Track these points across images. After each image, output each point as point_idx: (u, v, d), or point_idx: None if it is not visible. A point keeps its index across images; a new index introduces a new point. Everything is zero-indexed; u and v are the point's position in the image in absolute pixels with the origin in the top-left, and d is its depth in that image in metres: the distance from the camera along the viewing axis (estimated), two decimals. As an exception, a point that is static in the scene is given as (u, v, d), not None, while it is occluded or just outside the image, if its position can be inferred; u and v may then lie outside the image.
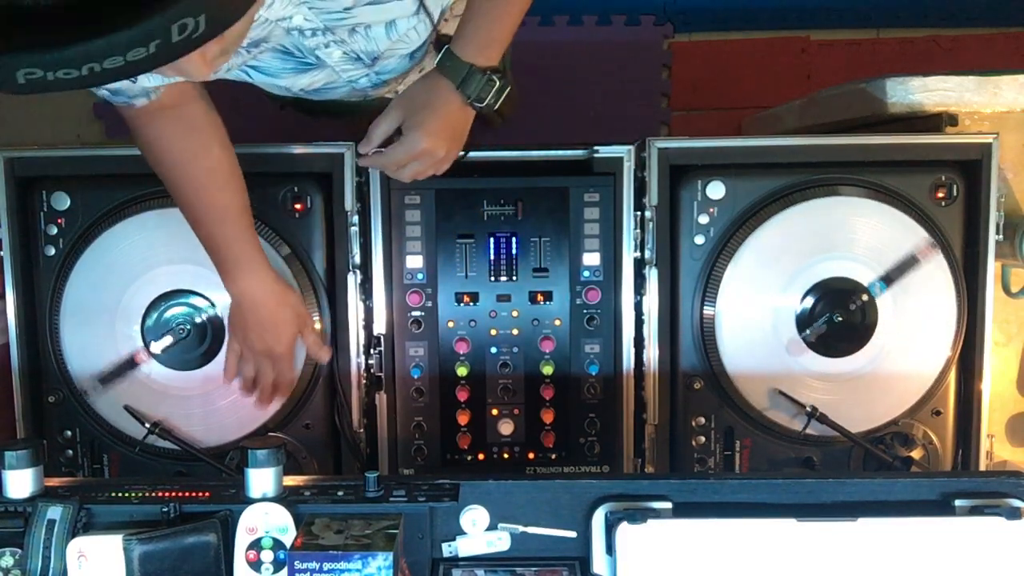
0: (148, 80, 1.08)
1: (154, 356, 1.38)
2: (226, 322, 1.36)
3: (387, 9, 1.08)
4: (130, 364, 1.39)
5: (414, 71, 1.29)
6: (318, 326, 1.40)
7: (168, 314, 1.38)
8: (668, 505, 1.03)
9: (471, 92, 1.16)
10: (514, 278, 1.43)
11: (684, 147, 1.41)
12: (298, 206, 1.40)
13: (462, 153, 1.28)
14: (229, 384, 1.35)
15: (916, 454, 1.42)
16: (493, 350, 1.44)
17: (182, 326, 1.38)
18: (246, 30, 0.80)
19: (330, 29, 1.09)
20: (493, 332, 1.43)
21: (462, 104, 1.17)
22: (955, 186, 1.40)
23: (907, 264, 1.38)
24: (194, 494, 1.03)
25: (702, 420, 1.44)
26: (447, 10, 1.19)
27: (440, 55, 1.17)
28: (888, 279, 1.39)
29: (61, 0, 0.58)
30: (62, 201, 1.39)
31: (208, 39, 0.65)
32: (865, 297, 1.38)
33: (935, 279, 1.40)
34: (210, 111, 1.22)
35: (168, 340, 1.37)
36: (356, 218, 1.41)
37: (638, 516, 0.99)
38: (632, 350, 1.43)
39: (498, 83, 1.16)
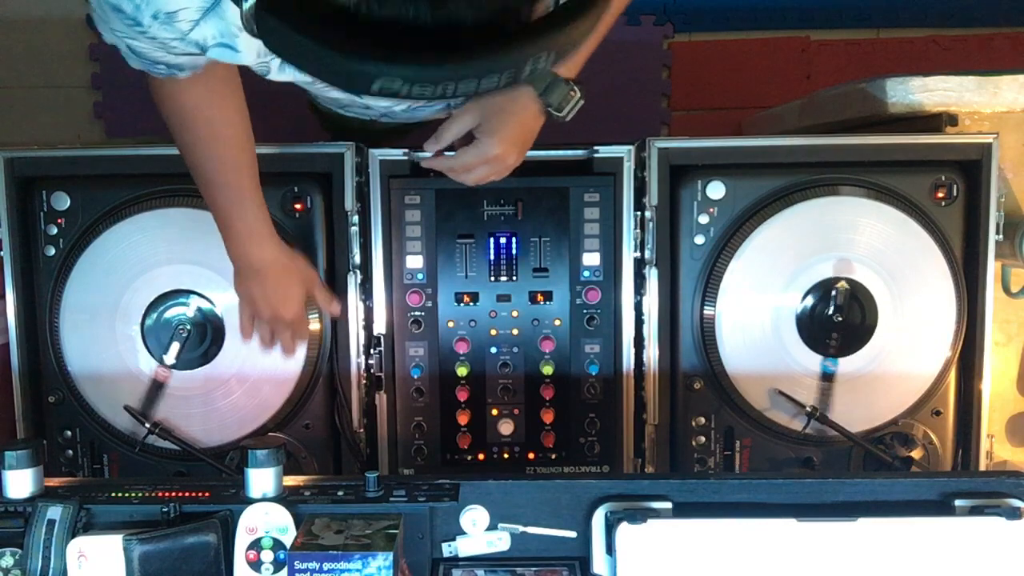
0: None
1: (173, 367, 1.39)
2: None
3: None
4: (158, 387, 1.40)
5: None
6: (317, 326, 1.40)
7: (168, 314, 1.39)
8: (668, 505, 1.03)
9: (552, 101, 1.14)
10: (514, 278, 1.43)
11: (684, 147, 1.41)
12: (298, 206, 1.40)
13: None
14: (248, 341, 1.33)
15: (916, 454, 1.42)
16: (493, 350, 1.44)
17: (182, 326, 1.38)
18: None
19: None
20: (493, 332, 1.43)
21: (539, 112, 1.15)
22: (955, 186, 1.40)
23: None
24: (194, 494, 1.03)
25: (702, 420, 1.44)
26: None
27: None
28: (828, 376, 1.41)
29: (442, 20, 0.62)
30: (62, 201, 1.39)
31: (545, 70, 0.70)
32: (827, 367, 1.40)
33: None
34: (235, 78, 1.20)
35: (176, 347, 1.37)
36: (356, 218, 1.41)
37: (638, 516, 0.99)
38: (632, 350, 1.43)
39: (578, 95, 1.15)
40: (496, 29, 0.65)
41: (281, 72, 1.06)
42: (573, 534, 1.05)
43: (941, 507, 1.03)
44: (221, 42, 0.95)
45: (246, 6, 0.66)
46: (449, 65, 0.64)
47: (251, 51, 0.98)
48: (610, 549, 1.01)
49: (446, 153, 1.21)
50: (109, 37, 1.00)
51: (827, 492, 1.05)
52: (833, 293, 1.37)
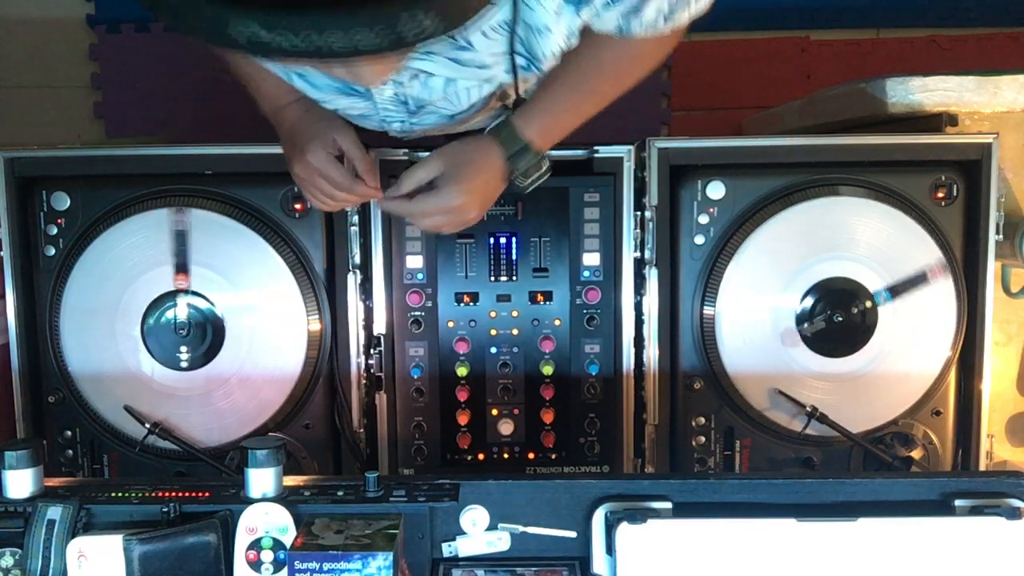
0: None
1: (178, 285, 1.37)
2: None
3: (477, 74, 1.06)
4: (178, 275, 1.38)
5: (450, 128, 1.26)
6: (317, 326, 1.40)
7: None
8: (668, 505, 1.03)
9: (519, 167, 1.14)
10: (514, 278, 1.43)
11: (684, 147, 1.41)
12: (298, 206, 1.40)
13: None
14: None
15: (916, 454, 1.42)
16: (493, 350, 1.44)
17: (182, 326, 1.38)
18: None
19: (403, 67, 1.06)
20: (493, 332, 1.43)
21: (504, 175, 1.15)
22: (955, 186, 1.40)
23: (917, 280, 1.38)
24: (194, 494, 1.03)
25: (702, 420, 1.44)
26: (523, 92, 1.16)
27: (499, 121, 1.15)
28: (895, 291, 1.39)
29: None
30: (62, 201, 1.39)
31: (431, 37, 0.66)
32: (868, 304, 1.39)
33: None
34: None
35: (188, 303, 1.37)
36: (356, 218, 1.41)
37: (638, 516, 0.99)
38: (632, 350, 1.43)
39: (544, 168, 1.16)
40: None
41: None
42: (573, 534, 1.05)
43: (941, 507, 1.03)
44: None
45: None
46: (306, 11, 0.61)
47: None
48: (610, 549, 1.01)
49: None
50: None
51: (827, 492, 1.05)
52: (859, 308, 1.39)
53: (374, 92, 1.12)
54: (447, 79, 1.09)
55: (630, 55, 1.12)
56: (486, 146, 1.14)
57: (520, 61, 1.05)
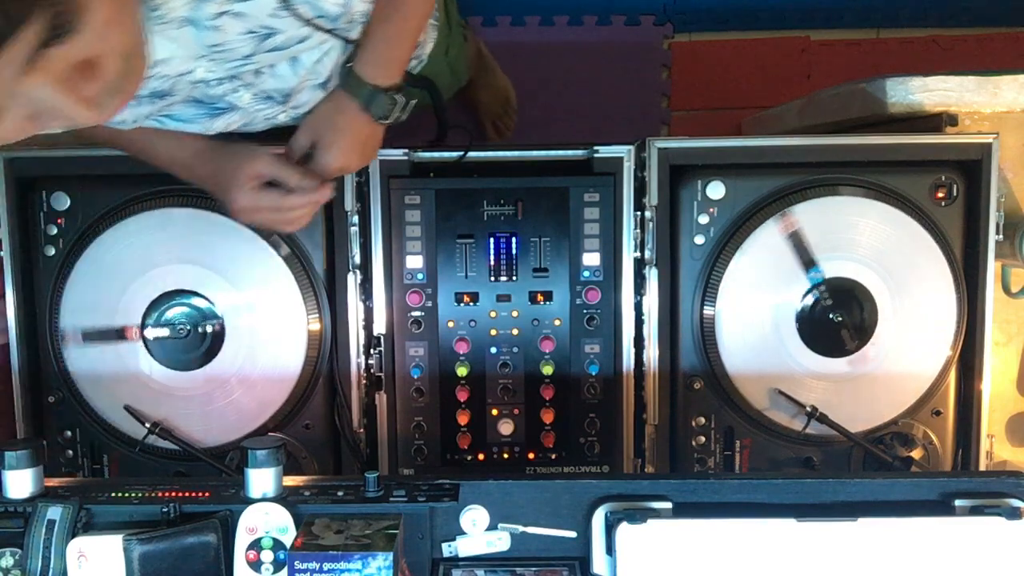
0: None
1: (144, 340, 1.38)
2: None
3: (291, 52, 1.09)
4: (118, 334, 1.39)
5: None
6: (317, 326, 1.40)
7: (168, 314, 1.39)
8: (668, 505, 1.03)
9: (376, 112, 1.19)
10: (514, 278, 1.43)
11: (684, 147, 1.41)
12: (298, 206, 1.39)
13: (461, 153, 1.34)
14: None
15: (916, 454, 1.42)
16: (493, 350, 1.44)
17: (182, 326, 1.38)
18: (131, 71, 0.81)
19: (235, 76, 1.11)
20: (493, 332, 1.43)
21: (370, 122, 1.20)
22: (955, 186, 1.40)
23: (794, 243, 1.38)
24: (194, 494, 1.03)
25: (702, 420, 1.44)
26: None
27: (343, 74, 1.19)
28: (808, 263, 1.38)
29: None
30: (62, 201, 1.39)
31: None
32: (824, 289, 1.38)
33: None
34: None
35: (164, 332, 1.37)
36: (356, 218, 1.41)
37: (638, 516, 0.99)
38: (632, 350, 1.43)
39: (400, 100, 1.20)
40: None
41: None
42: (573, 534, 1.06)
43: (941, 507, 1.04)
44: None
45: None
46: None
47: None
48: (610, 549, 1.01)
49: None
50: None
51: (827, 492, 1.05)
52: (817, 296, 1.38)
53: (235, 101, 1.17)
54: (290, 60, 1.12)
55: None
56: (341, 104, 1.19)
57: (308, 12, 1.06)
